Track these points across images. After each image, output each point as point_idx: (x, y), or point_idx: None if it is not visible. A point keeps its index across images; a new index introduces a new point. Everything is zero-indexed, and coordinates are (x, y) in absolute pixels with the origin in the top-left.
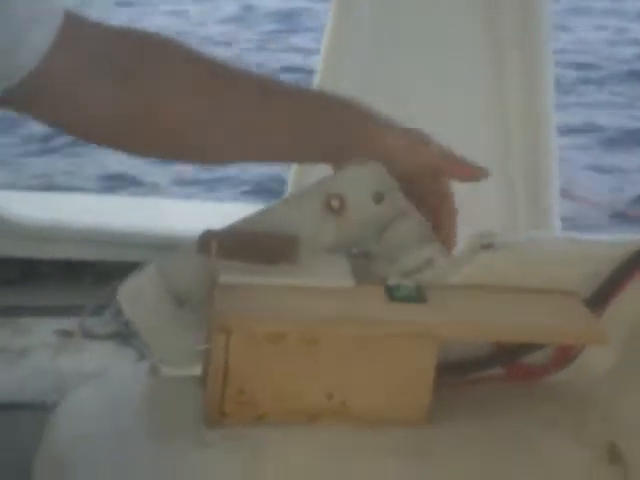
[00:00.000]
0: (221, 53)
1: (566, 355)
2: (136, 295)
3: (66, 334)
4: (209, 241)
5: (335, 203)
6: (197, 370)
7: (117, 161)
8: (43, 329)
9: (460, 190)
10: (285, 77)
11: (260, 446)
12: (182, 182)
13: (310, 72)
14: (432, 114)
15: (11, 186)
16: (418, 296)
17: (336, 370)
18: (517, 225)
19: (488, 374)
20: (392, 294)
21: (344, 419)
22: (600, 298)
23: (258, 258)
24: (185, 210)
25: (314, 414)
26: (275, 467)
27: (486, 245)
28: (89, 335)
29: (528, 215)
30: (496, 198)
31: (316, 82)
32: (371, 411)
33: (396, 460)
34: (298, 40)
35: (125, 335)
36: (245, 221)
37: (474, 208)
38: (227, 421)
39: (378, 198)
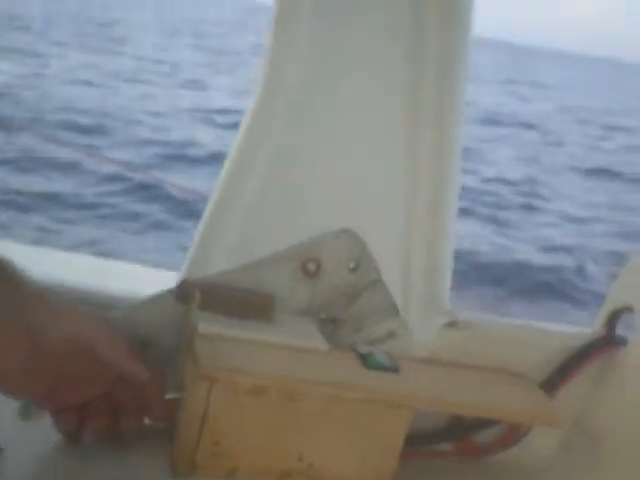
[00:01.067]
0: None
1: (513, 436)
2: None
3: None
4: (190, 291)
5: (311, 266)
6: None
7: None
8: None
9: None
10: None
11: None
12: None
13: None
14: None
15: None
16: (391, 366)
17: (310, 430)
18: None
19: (438, 449)
20: (366, 361)
21: None
22: (552, 384)
23: (234, 312)
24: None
25: (284, 474)
26: None
27: (450, 323)
28: None
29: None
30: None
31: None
32: (339, 475)
33: None
34: None
35: None
36: (222, 275)
37: None
38: (198, 472)
39: (354, 267)
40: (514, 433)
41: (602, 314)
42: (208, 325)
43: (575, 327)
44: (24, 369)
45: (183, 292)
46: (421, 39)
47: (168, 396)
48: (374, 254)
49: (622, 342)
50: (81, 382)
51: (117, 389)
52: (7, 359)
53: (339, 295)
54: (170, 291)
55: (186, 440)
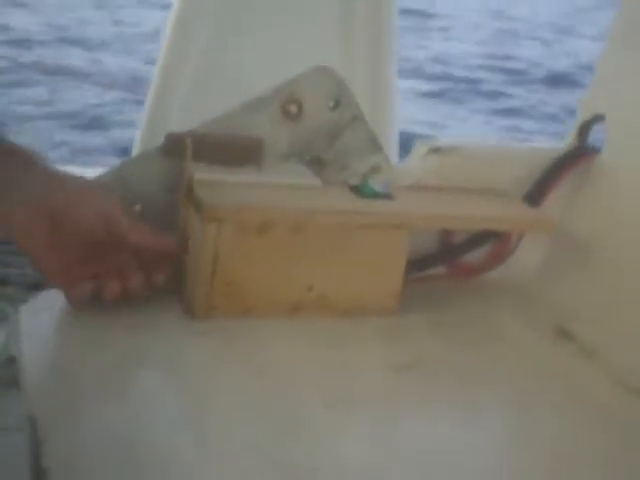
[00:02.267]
0: None
1: (501, 252)
2: None
3: None
4: (180, 142)
5: (292, 108)
6: None
7: None
8: None
9: None
10: None
11: (248, 336)
12: None
13: None
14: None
15: None
16: (386, 194)
17: (316, 262)
18: None
19: (432, 273)
20: (361, 192)
21: (323, 310)
22: (536, 196)
23: (225, 159)
24: None
25: (296, 306)
26: (263, 355)
27: (434, 149)
28: None
29: None
30: None
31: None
32: (348, 301)
33: (373, 345)
34: None
35: None
36: (205, 125)
37: None
38: (215, 313)
39: (333, 104)
40: (503, 249)
41: (575, 125)
42: (204, 173)
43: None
44: (48, 246)
45: (171, 145)
46: None
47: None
48: None
49: (596, 150)
50: (100, 255)
51: (127, 256)
52: (32, 237)
53: (321, 135)
54: (157, 148)
55: (200, 284)
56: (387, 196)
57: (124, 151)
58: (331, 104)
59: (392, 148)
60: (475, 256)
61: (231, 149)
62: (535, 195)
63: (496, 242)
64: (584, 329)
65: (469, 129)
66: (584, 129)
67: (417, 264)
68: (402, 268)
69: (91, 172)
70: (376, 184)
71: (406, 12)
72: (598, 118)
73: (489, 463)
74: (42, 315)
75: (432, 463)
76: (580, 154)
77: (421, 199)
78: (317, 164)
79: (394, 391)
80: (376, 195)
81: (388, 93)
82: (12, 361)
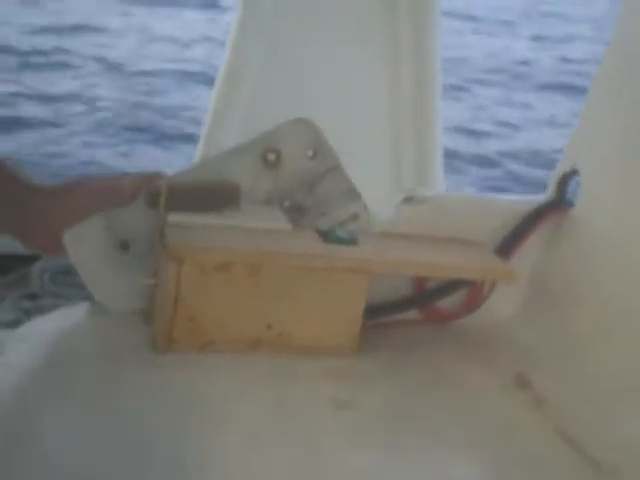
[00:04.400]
0: None
1: (475, 300)
2: (81, 239)
3: None
4: (157, 194)
5: (271, 157)
6: (138, 306)
7: None
8: None
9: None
10: None
11: (206, 370)
12: None
13: None
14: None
15: None
16: (350, 239)
17: (276, 301)
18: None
19: (405, 318)
20: (326, 237)
21: (282, 348)
22: (507, 247)
23: (202, 204)
24: None
25: (255, 342)
26: (219, 389)
27: (408, 199)
28: None
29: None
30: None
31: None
32: (306, 341)
33: (329, 383)
34: None
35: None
36: (187, 171)
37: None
38: (176, 347)
39: (312, 154)
40: (476, 297)
41: (553, 179)
42: (178, 216)
43: (528, 196)
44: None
45: (152, 195)
46: None
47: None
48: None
49: (569, 204)
50: None
51: None
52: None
53: (300, 183)
54: (142, 195)
55: (163, 319)
56: (351, 241)
57: None
58: (310, 153)
59: (436, 168)
60: (448, 303)
61: (209, 194)
62: (507, 246)
63: (469, 290)
64: (541, 378)
65: None
66: (562, 182)
67: (388, 308)
68: (360, 311)
69: None
70: (342, 231)
71: None
72: (574, 172)
73: None
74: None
75: None
76: (552, 207)
77: (386, 246)
78: (297, 211)
79: (325, 429)
80: (340, 240)
81: (433, 116)
82: None
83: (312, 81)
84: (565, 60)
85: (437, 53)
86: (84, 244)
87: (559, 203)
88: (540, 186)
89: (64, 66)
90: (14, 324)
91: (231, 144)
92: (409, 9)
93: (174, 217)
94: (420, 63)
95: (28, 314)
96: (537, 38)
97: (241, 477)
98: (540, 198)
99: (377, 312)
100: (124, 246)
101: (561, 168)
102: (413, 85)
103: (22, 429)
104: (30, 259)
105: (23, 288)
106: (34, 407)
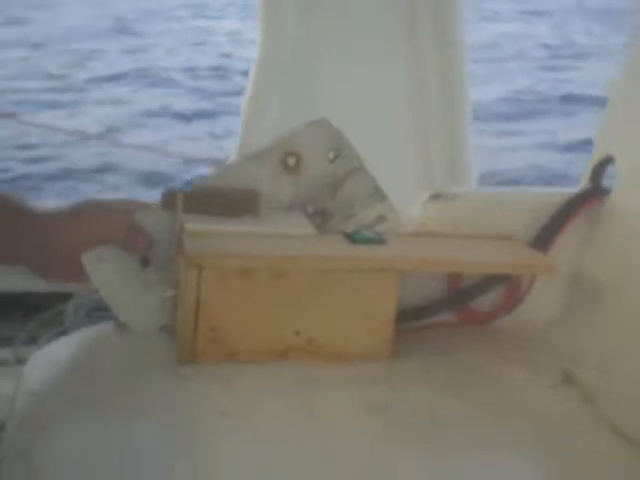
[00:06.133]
0: None
1: (512, 298)
2: (100, 258)
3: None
4: (174, 196)
5: (291, 161)
6: (164, 322)
7: None
8: None
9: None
10: None
11: (231, 380)
12: None
13: None
14: (356, 106)
15: None
16: (378, 239)
17: (302, 306)
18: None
19: (440, 320)
20: (353, 239)
21: (312, 355)
22: (543, 240)
23: (222, 211)
24: None
25: (283, 351)
26: (244, 401)
27: (435, 196)
28: (22, 362)
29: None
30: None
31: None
32: (338, 346)
33: (363, 389)
34: None
35: None
36: (206, 178)
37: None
38: (199, 359)
39: (333, 156)
40: (513, 295)
41: (588, 168)
42: (195, 224)
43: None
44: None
45: (168, 200)
46: None
47: (167, 295)
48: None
49: (604, 192)
50: None
51: None
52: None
53: (322, 186)
54: (158, 203)
55: (185, 330)
56: (379, 241)
57: None
58: (331, 156)
59: (467, 162)
60: (486, 303)
61: (228, 201)
62: (543, 239)
63: (506, 288)
64: (588, 375)
65: None
66: (596, 171)
67: (421, 311)
68: (392, 312)
69: None
70: (369, 232)
71: None
72: (609, 159)
73: None
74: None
75: None
76: (587, 197)
77: (416, 245)
78: (322, 215)
79: (363, 436)
80: (367, 241)
81: (461, 108)
82: None
83: (330, 81)
84: None
85: (462, 40)
86: (104, 264)
87: (595, 191)
88: None
89: None
90: None
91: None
92: None
93: (193, 226)
94: (443, 52)
95: None
96: None
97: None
98: (572, 190)
99: (411, 316)
100: (145, 262)
101: (595, 156)
102: (437, 76)
103: (41, 440)
104: (64, 297)
105: (58, 326)
106: (54, 420)
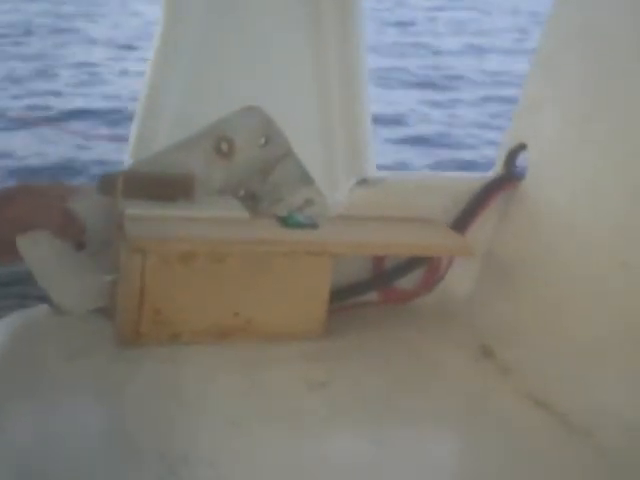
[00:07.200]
0: None
1: (432, 278)
2: (35, 242)
3: None
4: (113, 181)
5: (224, 146)
6: (98, 305)
7: None
8: None
9: None
10: None
11: (176, 361)
12: None
13: None
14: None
15: None
16: (310, 223)
17: (241, 289)
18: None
19: (366, 299)
20: (285, 222)
21: (251, 335)
22: (461, 223)
23: (158, 196)
24: None
25: (223, 332)
26: (190, 379)
27: (361, 181)
28: None
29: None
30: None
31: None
32: (274, 327)
33: (302, 366)
34: None
35: None
36: (141, 163)
37: None
38: (142, 341)
39: (263, 142)
40: (433, 275)
41: (500, 155)
42: (135, 208)
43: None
44: None
45: (105, 185)
46: None
47: (107, 278)
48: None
49: (519, 177)
50: None
51: None
52: None
53: (253, 171)
54: (93, 187)
55: (128, 312)
56: (311, 226)
57: None
58: (262, 141)
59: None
60: (407, 283)
61: (163, 185)
62: (461, 222)
63: (426, 269)
64: (503, 348)
65: None
66: (510, 158)
67: (348, 291)
68: (326, 294)
69: None
70: (301, 216)
71: None
72: (521, 147)
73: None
74: None
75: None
76: (503, 182)
77: (345, 228)
78: (252, 198)
79: (304, 409)
80: (300, 225)
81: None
82: None
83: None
84: None
85: (362, 38)
86: (38, 247)
87: (509, 177)
88: None
89: None
90: None
91: (163, 138)
92: None
93: (133, 211)
94: (345, 49)
95: None
96: None
97: (227, 460)
98: (489, 175)
99: (340, 296)
100: (79, 246)
101: (506, 144)
102: (341, 69)
103: None
104: None
105: None
106: None
